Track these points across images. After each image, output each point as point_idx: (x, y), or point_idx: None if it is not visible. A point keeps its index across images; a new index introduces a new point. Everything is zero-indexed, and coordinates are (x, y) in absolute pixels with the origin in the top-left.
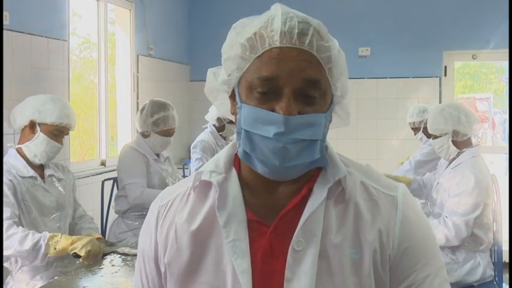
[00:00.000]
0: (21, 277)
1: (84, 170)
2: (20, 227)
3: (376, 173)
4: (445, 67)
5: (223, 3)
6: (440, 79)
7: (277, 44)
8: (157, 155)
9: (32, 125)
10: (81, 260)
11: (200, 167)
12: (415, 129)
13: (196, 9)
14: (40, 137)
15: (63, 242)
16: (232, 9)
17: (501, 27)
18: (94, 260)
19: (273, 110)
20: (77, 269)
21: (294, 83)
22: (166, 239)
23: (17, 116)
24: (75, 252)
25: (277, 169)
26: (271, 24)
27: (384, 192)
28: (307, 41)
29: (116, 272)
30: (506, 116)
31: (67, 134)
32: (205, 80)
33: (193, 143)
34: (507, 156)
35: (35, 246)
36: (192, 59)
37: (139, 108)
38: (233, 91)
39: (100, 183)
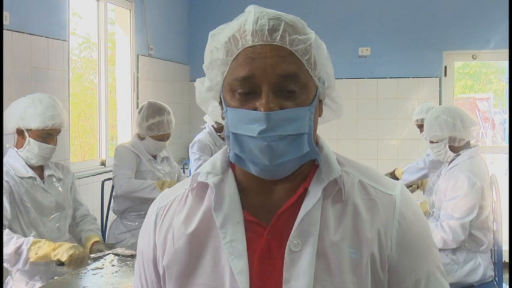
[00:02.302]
0: (20, 277)
1: (84, 170)
2: (7, 229)
3: (374, 172)
4: (445, 67)
5: (223, 4)
6: (440, 79)
7: (250, 43)
8: (154, 156)
9: (20, 132)
10: (65, 267)
11: (199, 166)
12: (420, 127)
13: (196, 9)
14: (31, 142)
15: (45, 247)
16: (232, 9)
17: (501, 27)
18: (78, 265)
19: (255, 109)
20: (77, 269)
21: (270, 80)
22: (165, 241)
23: (6, 123)
24: (58, 259)
25: (268, 167)
26: (244, 25)
27: (382, 191)
28: (279, 36)
29: (116, 272)
30: (506, 116)
31: (58, 133)
32: None
33: (191, 143)
34: (507, 156)
35: (18, 250)
36: (191, 59)
37: (138, 108)
38: (220, 97)
39: (100, 183)
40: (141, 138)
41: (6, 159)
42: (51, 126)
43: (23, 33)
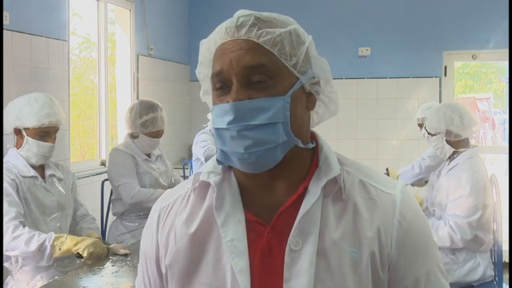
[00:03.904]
0: (21, 277)
1: (84, 170)
2: (27, 227)
3: (375, 171)
4: (445, 67)
5: (223, 4)
6: (440, 79)
7: (221, 41)
8: (148, 154)
9: (18, 131)
10: (83, 260)
11: (208, 143)
12: (420, 126)
13: (196, 9)
14: (29, 141)
15: (68, 243)
16: (232, 9)
17: (501, 26)
18: (96, 261)
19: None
20: (77, 269)
21: (236, 72)
22: (167, 241)
23: (4, 123)
24: (78, 253)
25: (245, 158)
26: (221, 27)
27: (382, 191)
28: (245, 31)
29: (116, 272)
30: (506, 116)
31: (55, 131)
32: None
33: (196, 138)
34: (507, 156)
35: (41, 248)
36: (192, 59)
37: (128, 108)
38: None
39: (100, 183)
40: (134, 137)
41: (7, 158)
42: (48, 124)
43: (23, 33)
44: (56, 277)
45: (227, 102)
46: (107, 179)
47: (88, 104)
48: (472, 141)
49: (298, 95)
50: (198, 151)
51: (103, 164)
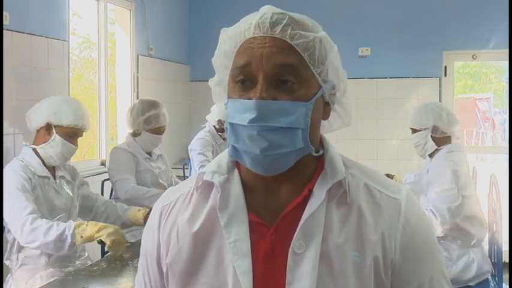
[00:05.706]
0: (20, 276)
1: (84, 170)
2: (44, 219)
3: (380, 175)
4: (445, 67)
5: (223, 4)
6: (440, 79)
7: (251, 35)
8: (149, 153)
9: (48, 127)
10: (106, 248)
11: (204, 161)
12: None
13: (196, 9)
14: (56, 139)
15: (89, 229)
16: (232, 9)
17: (501, 26)
18: (118, 248)
19: (250, 99)
20: (77, 269)
21: (265, 69)
22: (169, 239)
23: (33, 118)
24: (100, 239)
25: (260, 159)
26: (251, 20)
27: (387, 195)
28: (279, 29)
29: (116, 272)
30: (506, 116)
31: (81, 135)
32: (205, 80)
33: (191, 143)
34: (507, 156)
35: (61, 237)
36: (192, 59)
37: (129, 108)
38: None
39: (100, 183)
40: (135, 135)
41: (23, 156)
42: (81, 125)
43: (23, 33)
44: (56, 277)
45: (249, 98)
46: (107, 179)
47: (88, 104)
48: (454, 140)
49: (319, 103)
50: (194, 158)
51: (103, 164)
